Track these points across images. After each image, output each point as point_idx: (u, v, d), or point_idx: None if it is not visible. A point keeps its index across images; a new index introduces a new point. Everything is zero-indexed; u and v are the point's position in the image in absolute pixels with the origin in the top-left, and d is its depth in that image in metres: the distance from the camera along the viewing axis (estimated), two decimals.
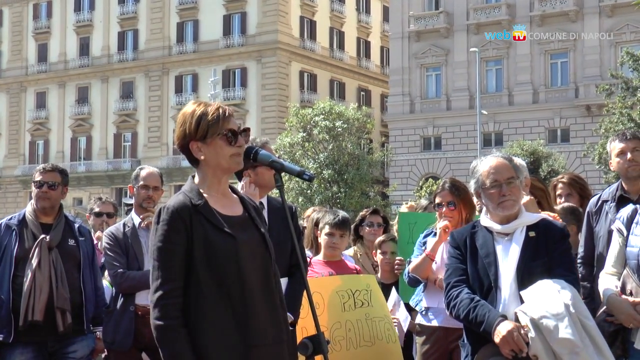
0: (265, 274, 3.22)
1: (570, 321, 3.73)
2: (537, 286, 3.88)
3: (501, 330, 3.78)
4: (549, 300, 3.79)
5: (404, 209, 8.33)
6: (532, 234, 4.07)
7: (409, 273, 5.36)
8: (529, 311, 3.80)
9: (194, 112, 3.21)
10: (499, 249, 4.09)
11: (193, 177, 3.29)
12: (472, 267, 4.10)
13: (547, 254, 4.01)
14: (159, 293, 3.07)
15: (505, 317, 3.86)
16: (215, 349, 3.06)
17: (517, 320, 3.84)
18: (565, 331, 3.71)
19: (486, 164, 4.17)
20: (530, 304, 3.83)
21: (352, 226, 6.59)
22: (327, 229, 5.48)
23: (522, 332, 3.77)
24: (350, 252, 6.59)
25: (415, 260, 5.30)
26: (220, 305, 3.10)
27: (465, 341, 4.17)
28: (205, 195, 3.22)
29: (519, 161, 4.92)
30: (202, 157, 3.22)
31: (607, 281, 4.34)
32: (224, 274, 3.12)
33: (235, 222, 3.22)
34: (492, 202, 4.12)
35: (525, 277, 3.95)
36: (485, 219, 4.18)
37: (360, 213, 6.95)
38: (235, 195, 3.36)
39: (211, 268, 3.11)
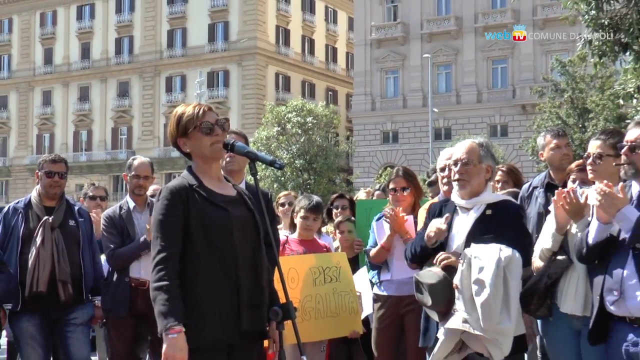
0: (253, 245, 3.22)
1: (495, 269, 3.67)
2: (485, 244, 3.82)
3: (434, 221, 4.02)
4: (488, 250, 3.76)
5: (362, 194, 8.34)
6: (488, 212, 3.98)
7: (369, 261, 5.39)
8: (468, 250, 3.80)
9: (176, 113, 3.26)
10: (456, 219, 4.07)
11: (189, 167, 3.30)
12: None
13: (497, 231, 3.87)
14: (157, 258, 3.04)
15: None
16: (211, 307, 3.05)
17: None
18: (484, 273, 3.68)
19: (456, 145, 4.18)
20: (474, 247, 3.82)
21: (325, 209, 6.60)
22: (302, 213, 5.42)
23: (454, 258, 3.85)
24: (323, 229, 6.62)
25: (374, 250, 5.30)
26: (214, 271, 3.08)
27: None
28: (200, 178, 3.22)
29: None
30: (188, 150, 3.25)
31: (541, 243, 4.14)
32: (218, 243, 3.10)
33: (228, 200, 3.22)
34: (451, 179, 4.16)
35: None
36: (453, 194, 4.16)
37: (331, 197, 6.93)
38: (229, 183, 3.36)
39: (207, 238, 3.09)
